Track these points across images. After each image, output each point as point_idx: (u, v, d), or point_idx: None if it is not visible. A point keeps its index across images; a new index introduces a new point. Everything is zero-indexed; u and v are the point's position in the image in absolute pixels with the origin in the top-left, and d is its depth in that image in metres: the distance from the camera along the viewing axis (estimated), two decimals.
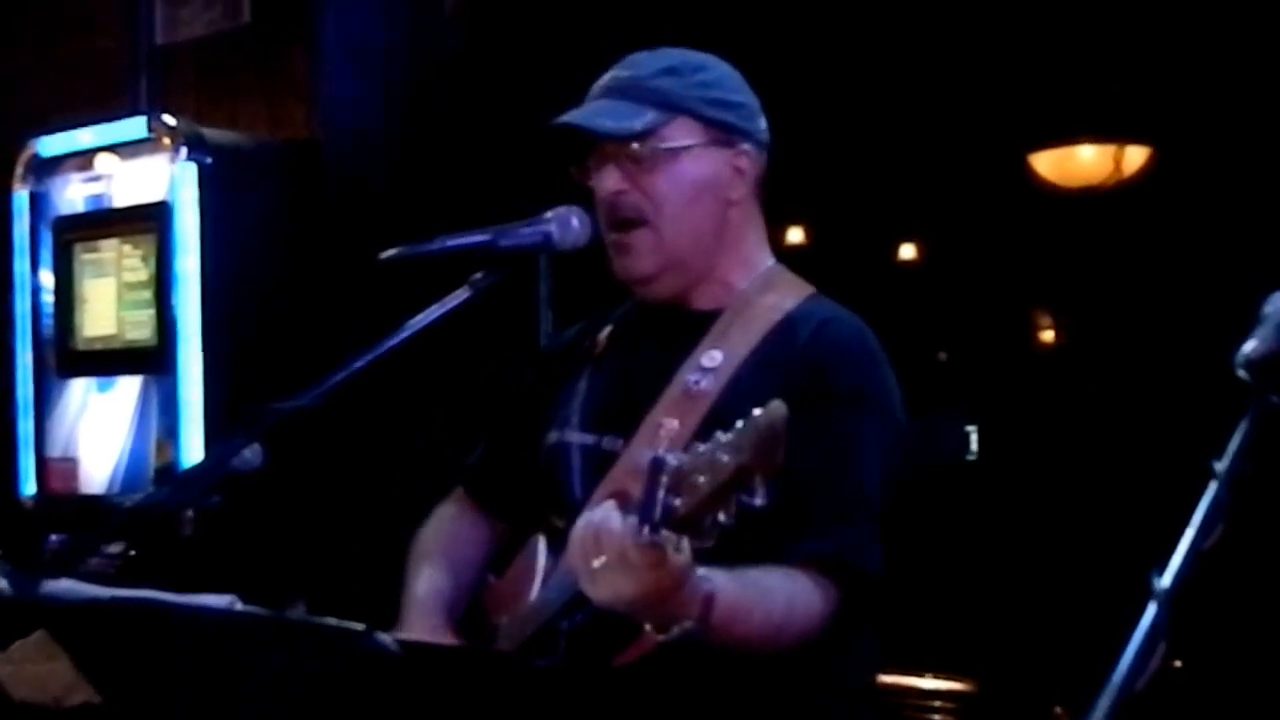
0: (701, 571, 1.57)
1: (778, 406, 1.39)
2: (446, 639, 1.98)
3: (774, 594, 1.72)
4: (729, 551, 1.60)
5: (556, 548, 1.91)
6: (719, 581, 1.60)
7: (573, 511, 1.85)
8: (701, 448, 1.43)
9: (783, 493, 1.76)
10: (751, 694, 1.82)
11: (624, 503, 1.57)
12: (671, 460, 1.42)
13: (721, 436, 1.42)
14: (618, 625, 1.71)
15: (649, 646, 1.70)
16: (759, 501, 1.40)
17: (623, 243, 1.96)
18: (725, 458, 1.40)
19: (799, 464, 1.78)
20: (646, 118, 1.93)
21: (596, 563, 1.52)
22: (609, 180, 1.95)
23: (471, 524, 2.20)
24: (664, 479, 1.41)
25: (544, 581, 1.95)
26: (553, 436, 2.03)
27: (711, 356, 1.91)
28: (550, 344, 2.24)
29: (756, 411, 1.41)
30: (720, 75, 2.01)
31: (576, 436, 2.00)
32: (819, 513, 1.80)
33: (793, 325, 1.93)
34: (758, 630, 1.70)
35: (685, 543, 1.46)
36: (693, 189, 1.95)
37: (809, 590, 1.75)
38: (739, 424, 1.43)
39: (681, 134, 1.95)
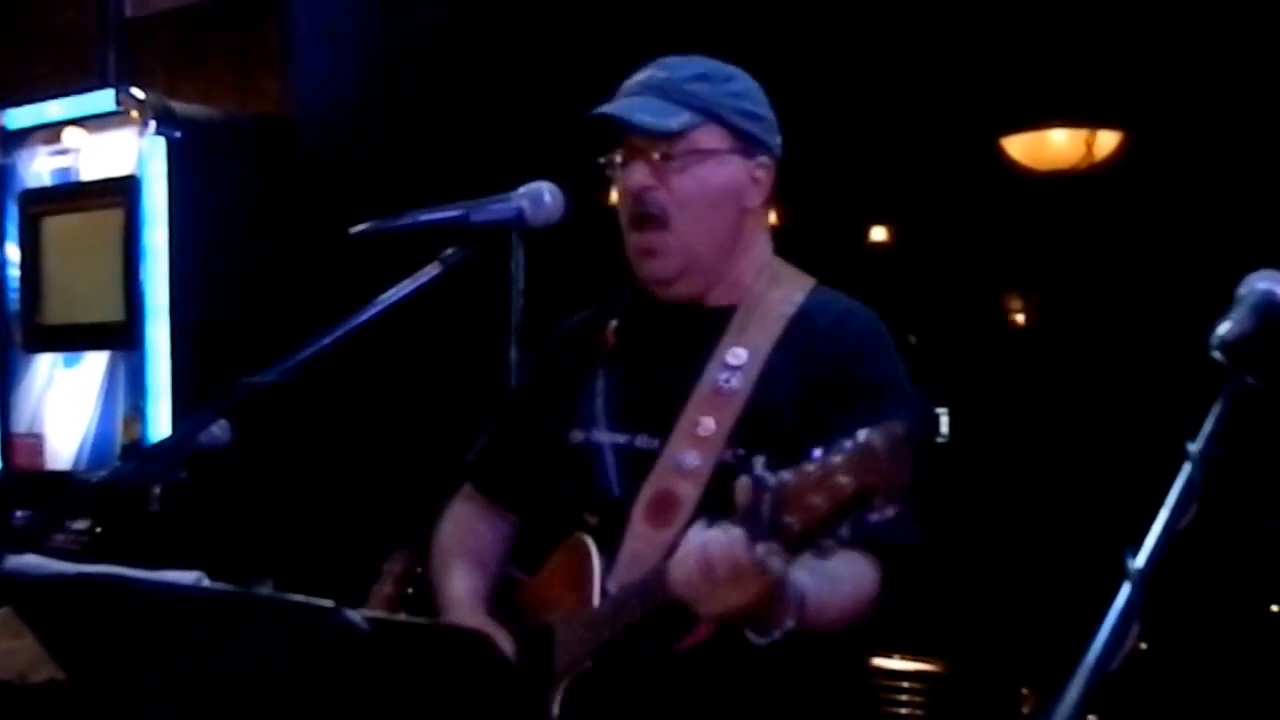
0: (790, 575, 1.66)
1: (894, 425, 1.45)
2: (501, 637, 1.99)
3: (842, 583, 1.83)
4: None
5: (603, 547, 1.97)
6: (804, 582, 1.71)
7: (611, 509, 1.97)
8: (809, 467, 1.50)
9: None
10: (744, 665, 1.86)
11: (711, 516, 1.67)
12: (771, 479, 1.50)
13: (831, 458, 1.49)
14: (674, 617, 1.79)
15: (704, 635, 1.81)
16: (884, 516, 1.47)
17: (646, 245, 2.02)
18: (844, 479, 1.47)
19: None
20: (682, 118, 1.99)
21: (710, 582, 1.63)
22: (638, 175, 2.01)
23: (487, 520, 2.24)
24: (767, 496, 1.50)
25: (602, 586, 1.97)
26: (578, 435, 2.07)
27: (736, 354, 1.99)
28: (554, 335, 2.24)
29: (863, 433, 1.48)
30: (748, 88, 2.08)
31: (606, 436, 2.05)
32: None
33: (809, 317, 2.02)
34: (833, 620, 1.83)
35: (783, 559, 1.54)
36: (715, 193, 2.02)
37: (863, 571, 1.86)
38: (847, 443, 1.49)
39: (711, 139, 2.02)
